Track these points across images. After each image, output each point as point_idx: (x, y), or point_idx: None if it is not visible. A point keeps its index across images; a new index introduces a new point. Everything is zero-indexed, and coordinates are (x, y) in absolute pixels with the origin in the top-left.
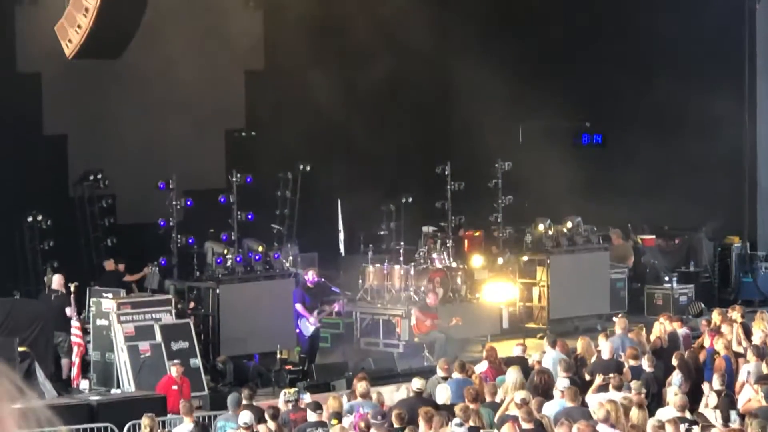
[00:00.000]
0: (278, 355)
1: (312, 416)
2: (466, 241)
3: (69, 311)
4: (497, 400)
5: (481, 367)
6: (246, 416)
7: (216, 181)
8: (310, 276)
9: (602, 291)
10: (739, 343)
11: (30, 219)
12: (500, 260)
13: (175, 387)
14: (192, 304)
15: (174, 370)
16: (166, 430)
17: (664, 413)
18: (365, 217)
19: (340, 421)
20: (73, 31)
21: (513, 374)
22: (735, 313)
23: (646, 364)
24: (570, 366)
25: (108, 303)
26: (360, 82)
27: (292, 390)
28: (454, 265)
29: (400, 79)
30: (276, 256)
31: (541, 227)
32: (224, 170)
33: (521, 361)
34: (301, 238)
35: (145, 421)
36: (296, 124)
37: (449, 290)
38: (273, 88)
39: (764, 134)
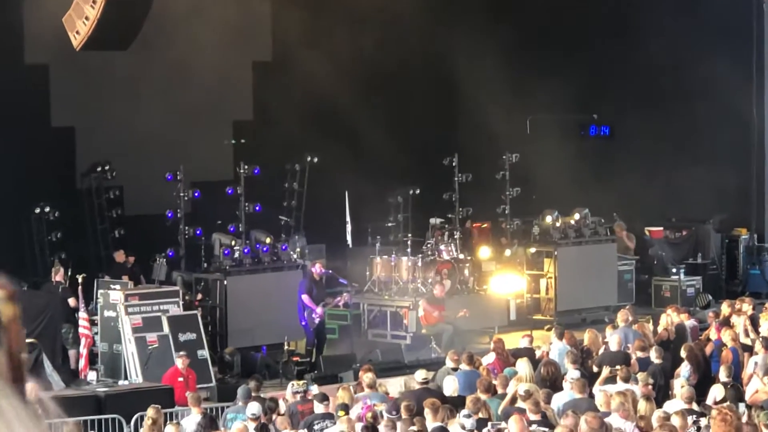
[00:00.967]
0: (286, 347)
1: (319, 408)
2: (473, 232)
3: (72, 302)
4: (508, 391)
5: (489, 359)
6: (254, 407)
7: (224, 173)
8: (318, 268)
9: (610, 283)
10: (747, 335)
11: (37, 211)
12: (508, 252)
13: (180, 379)
14: (199, 296)
15: (180, 361)
16: (174, 421)
17: (672, 405)
18: (373, 209)
19: (347, 413)
20: (80, 23)
21: (523, 366)
22: (745, 305)
23: (654, 356)
24: (577, 358)
25: (115, 294)
26: (368, 75)
27: (301, 381)
28: (461, 256)
29: (408, 71)
30: (284, 247)
31: (548, 219)
32: (232, 162)
33: (529, 353)
34: (309, 229)
35: (150, 412)
36: (304, 115)
37: (457, 282)
38: (281, 80)
39: None
